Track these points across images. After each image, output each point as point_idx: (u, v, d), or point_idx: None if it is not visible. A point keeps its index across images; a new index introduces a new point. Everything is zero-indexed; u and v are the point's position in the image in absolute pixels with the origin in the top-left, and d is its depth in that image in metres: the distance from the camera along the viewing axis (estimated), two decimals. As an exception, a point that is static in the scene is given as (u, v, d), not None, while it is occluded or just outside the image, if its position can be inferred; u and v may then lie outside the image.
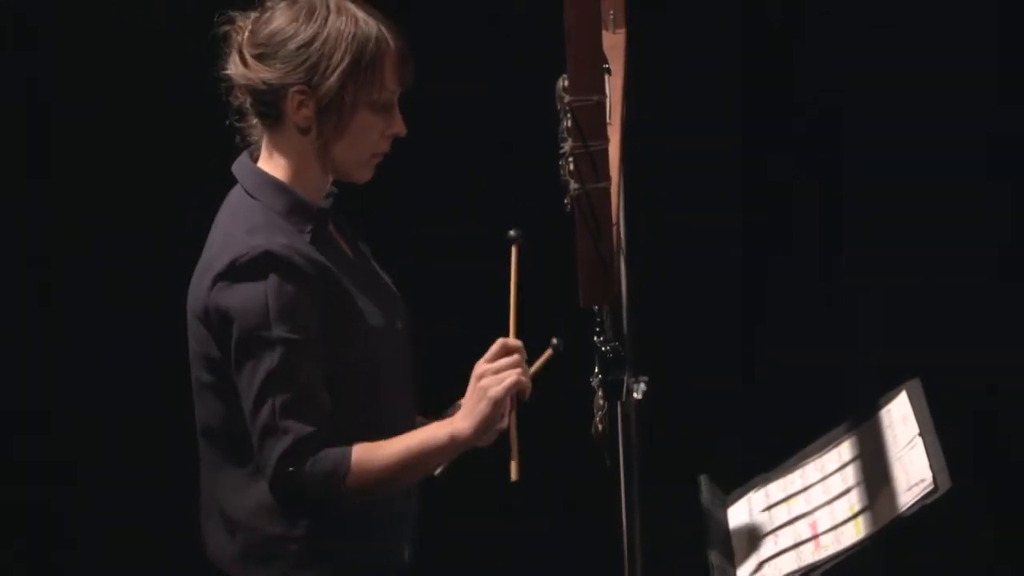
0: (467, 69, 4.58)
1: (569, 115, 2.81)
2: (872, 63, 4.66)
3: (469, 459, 3.91)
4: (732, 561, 3.30)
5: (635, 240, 3.28)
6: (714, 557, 3.29)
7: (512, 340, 3.17)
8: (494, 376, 3.12)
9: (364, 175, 3.26)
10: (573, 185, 2.83)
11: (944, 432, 3.21)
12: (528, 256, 3.28)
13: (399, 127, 3.23)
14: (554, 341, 3.26)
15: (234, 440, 3.17)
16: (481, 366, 3.15)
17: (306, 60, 3.14)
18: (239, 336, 3.11)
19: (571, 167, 2.83)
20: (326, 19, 3.15)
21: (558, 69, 2.82)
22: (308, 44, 3.14)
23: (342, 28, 3.15)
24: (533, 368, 3.23)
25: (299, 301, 3.11)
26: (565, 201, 2.87)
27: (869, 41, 4.64)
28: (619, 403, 3.12)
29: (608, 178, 2.83)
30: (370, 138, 3.21)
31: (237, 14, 3.22)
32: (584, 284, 2.86)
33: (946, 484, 3.05)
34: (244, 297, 3.10)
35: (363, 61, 3.15)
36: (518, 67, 4.29)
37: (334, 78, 3.14)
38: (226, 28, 3.22)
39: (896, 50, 4.64)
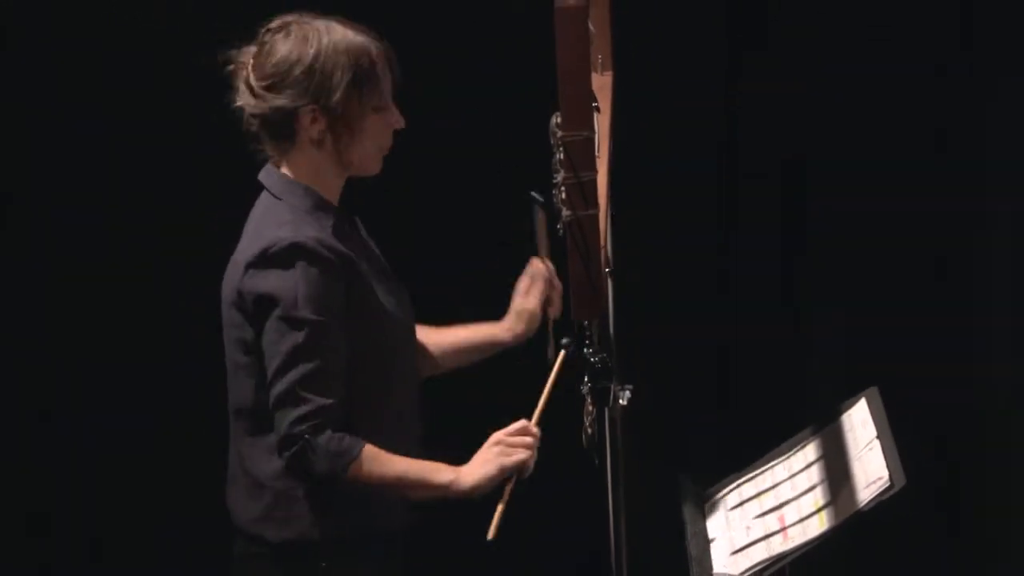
0: (466, 102, 4.59)
1: (561, 149, 2.83)
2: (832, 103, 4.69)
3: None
4: (709, 551, 3.30)
5: (620, 259, 3.30)
6: (692, 548, 3.31)
7: (533, 427, 3.19)
8: (508, 448, 3.16)
9: (375, 168, 3.29)
10: (565, 212, 2.85)
11: (899, 435, 3.23)
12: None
13: (399, 121, 3.28)
14: (564, 341, 3.26)
15: (263, 414, 3.19)
16: (500, 435, 3.18)
17: (312, 82, 3.18)
18: (268, 316, 3.14)
19: (563, 196, 2.85)
20: (320, 42, 3.19)
21: (549, 105, 2.86)
22: (311, 67, 3.18)
23: (338, 48, 3.19)
24: (553, 372, 3.24)
25: (324, 287, 3.14)
26: (558, 226, 2.90)
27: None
28: (606, 409, 3.14)
29: (597, 206, 2.85)
30: (376, 136, 3.25)
31: (236, 52, 3.26)
32: (575, 300, 2.88)
33: (901, 482, 3.07)
34: (274, 282, 3.14)
35: (360, 72, 3.20)
36: (515, 100, 4.29)
37: (339, 93, 3.19)
38: (230, 66, 3.26)
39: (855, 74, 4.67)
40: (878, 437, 3.21)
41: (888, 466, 3.11)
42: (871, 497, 3.08)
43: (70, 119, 4.66)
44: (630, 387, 3.18)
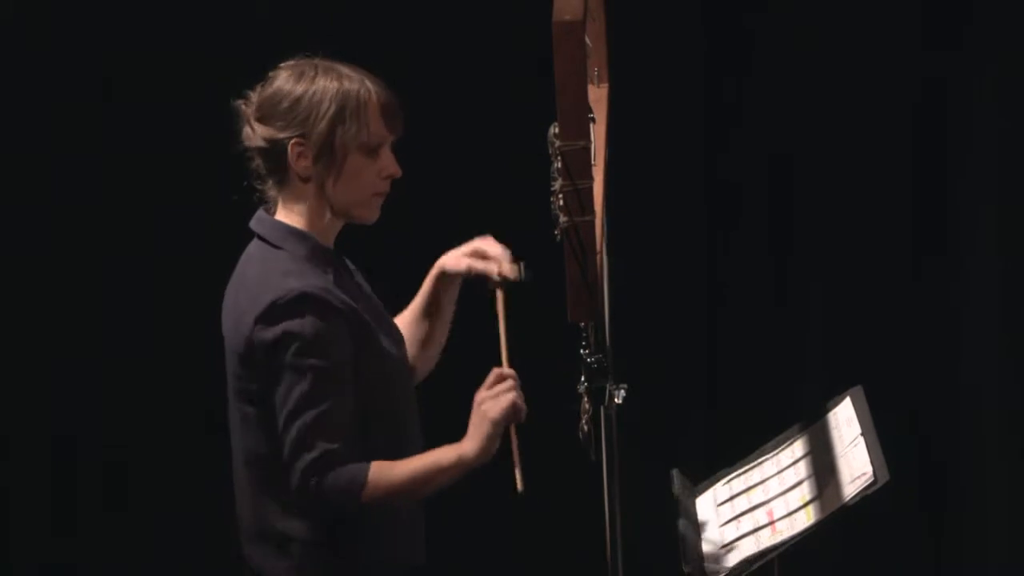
0: (467, 112, 4.60)
1: (559, 157, 2.83)
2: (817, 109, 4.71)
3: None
4: (700, 544, 3.30)
5: (615, 263, 3.31)
6: (684, 541, 3.30)
7: (506, 369, 3.14)
8: (492, 400, 3.09)
9: (368, 215, 3.21)
10: (562, 218, 2.86)
11: (883, 432, 3.24)
12: (523, 278, 3.31)
13: (392, 168, 3.19)
14: (496, 279, 3.21)
15: (279, 464, 3.11)
16: (480, 393, 3.12)
17: (298, 114, 3.12)
18: (278, 365, 3.08)
19: (561, 203, 2.85)
20: (313, 78, 3.13)
21: (549, 115, 2.87)
22: (299, 100, 3.12)
23: (327, 84, 3.13)
24: (499, 310, 3.19)
25: (332, 336, 3.08)
26: (555, 232, 2.91)
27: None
28: (602, 407, 3.13)
29: (593, 212, 2.85)
30: (365, 179, 3.16)
31: (252, 89, 3.20)
32: (572, 303, 2.88)
33: (884, 477, 3.07)
34: (284, 331, 3.07)
35: (348, 108, 3.12)
36: (514, 110, 4.31)
37: (323, 125, 3.11)
38: (241, 104, 3.21)
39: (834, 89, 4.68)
40: (863, 434, 3.21)
41: (872, 462, 3.11)
42: (856, 492, 3.08)
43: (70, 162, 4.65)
44: (625, 386, 3.17)
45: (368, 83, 3.16)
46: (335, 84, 3.13)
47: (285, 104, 3.13)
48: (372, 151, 3.17)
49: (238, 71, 3.28)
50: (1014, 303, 4.68)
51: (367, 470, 3.07)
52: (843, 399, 3.36)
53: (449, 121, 4.54)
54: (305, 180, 3.16)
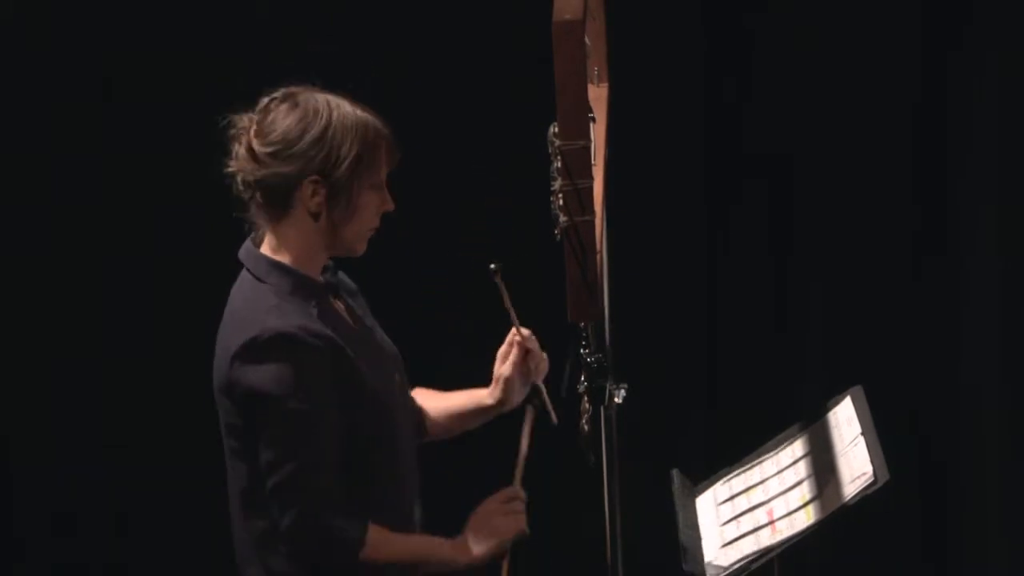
0: (467, 112, 4.59)
1: (559, 157, 2.84)
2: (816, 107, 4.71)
3: (467, 460, 3.94)
4: (700, 544, 3.31)
5: (615, 263, 3.31)
6: (684, 540, 3.31)
7: (519, 490, 3.19)
8: (504, 518, 3.15)
9: (361, 249, 3.20)
10: (562, 218, 2.86)
11: (883, 432, 3.24)
12: (523, 278, 3.32)
13: (390, 204, 3.19)
14: (529, 395, 3.28)
15: (262, 497, 3.10)
16: (491, 505, 3.17)
17: (320, 153, 3.08)
18: (258, 409, 3.05)
19: (560, 202, 2.85)
20: (331, 116, 3.09)
21: (548, 115, 2.87)
22: (320, 138, 3.08)
23: (346, 122, 3.10)
24: (526, 432, 3.26)
25: (311, 376, 3.05)
26: (555, 231, 2.92)
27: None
28: (602, 407, 3.15)
29: (593, 212, 2.86)
30: (369, 216, 3.16)
31: (236, 117, 3.16)
32: (572, 303, 2.88)
33: (884, 477, 3.08)
34: (261, 374, 3.04)
35: (366, 149, 3.11)
36: (514, 110, 4.31)
37: (345, 166, 3.08)
38: (231, 131, 3.16)
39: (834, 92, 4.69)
40: (863, 434, 3.21)
41: (872, 462, 3.12)
42: (856, 492, 3.09)
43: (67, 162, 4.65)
44: (625, 386, 3.18)
45: (373, 119, 3.15)
46: (352, 123, 3.11)
47: (306, 141, 3.09)
48: (379, 188, 3.17)
49: (238, 71, 3.28)
50: (1014, 303, 4.69)
51: (365, 532, 3.07)
52: (843, 398, 3.36)
53: (449, 121, 4.54)
54: (315, 217, 3.13)
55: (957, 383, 4.71)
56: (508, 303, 3.24)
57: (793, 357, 4.72)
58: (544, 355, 3.33)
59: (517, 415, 3.35)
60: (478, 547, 3.12)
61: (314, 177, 3.09)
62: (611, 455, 3.19)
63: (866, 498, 3.09)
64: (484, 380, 3.30)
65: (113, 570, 4.80)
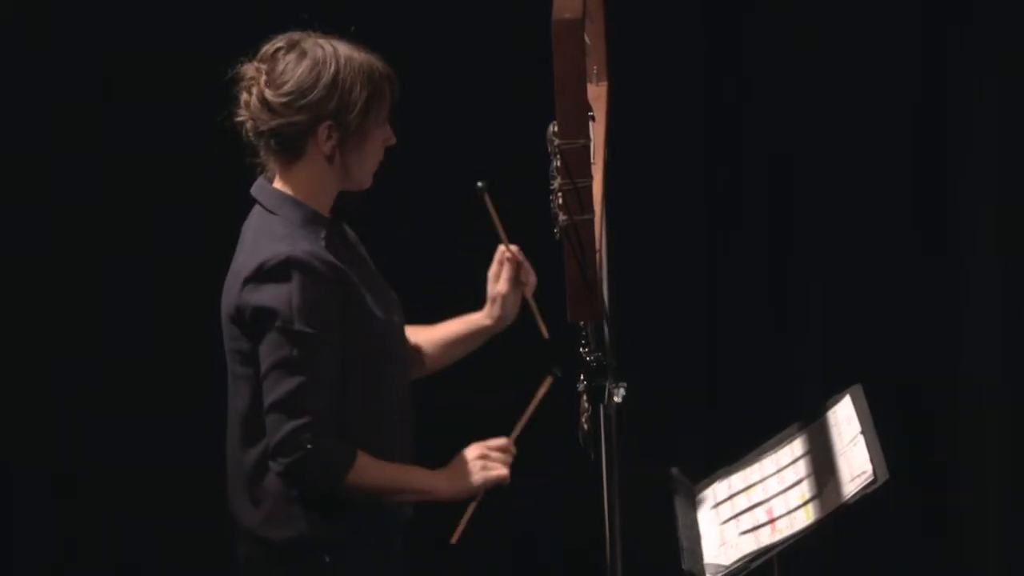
0: (467, 111, 4.59)
1: (558, 156, 2.84)
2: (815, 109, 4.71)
3: (463, 409, 3.93)
4: (700, 542, 3.32)
5: (614, 262, 3.32)
6: (684, 539, 3.31)
7: (511, 444, 3.27)
8: (490, 462, 3.24)
9: (369, 183, 3.31)
10: (562, 217, 2.87)
11: (883, 430, 3.24)
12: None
13: (391, 138, 3.30)
14: (554, 370, 3.33)
15: (261, 422, 3.19)
16: (481, 448, 3.26)
17: (333, 98, 3.19)
18: (265, 328, 3.15)
19: (560, 201, 2.86)
20: (338, 61, 3.20)
21: (548, 113, 2.87)
22: (331, 85, 3.19)
23: (353, 67, 3.21)
24: (537, 396, 3.31)
25: (318, 300, 3.15)
26: (555, 230, 2.92)
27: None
28: (602, 406, 3.15)
29: (592, 211, 2.86)
30: (376, 151, 3.28)
31: (244, 68, 3.25)
32: (571, 302, 2.89)
33: (884, 476, 3.08)
34: (270, 296, 3.14)
35: (375, 92, 3.22)
36: (513, 109, 4.31)
37: (357, 110, 3.20)
38: (238, 83, 3.25)
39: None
40: (862, 433, 3.21)
41: (872, 461, 3.12)
42: (856, 491, 3.09)
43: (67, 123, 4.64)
44: (625, 385, 3.19)
45: (377, 61, 3.25)
46: (358, 64, 3.21)
47: (318, 92, 3.18)
48: (383, 124, 3.27)
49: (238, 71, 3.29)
50: (1014, 303, 4.68)
51: (355, 457, 3.16)
52: (843, 397, 3.37)
53: (449, 120, 4.54)
54: (329, 159, 3.23)
55: (957, 383, 4.71)
56: (496, 218, 3.31)
57: (793, 357, 4.72)
58: (532, 269, 3.42)
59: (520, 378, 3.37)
60: (456, 483, 3.23)
61: (328, 122, 3.20)
62: (611, 454, 3.19)
63: (866, 497, 3.09)
64: (486, 371, 3.30)
65: (113, 569, 4.79)
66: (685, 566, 3.23)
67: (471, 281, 3.51)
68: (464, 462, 3.25)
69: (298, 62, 3.21)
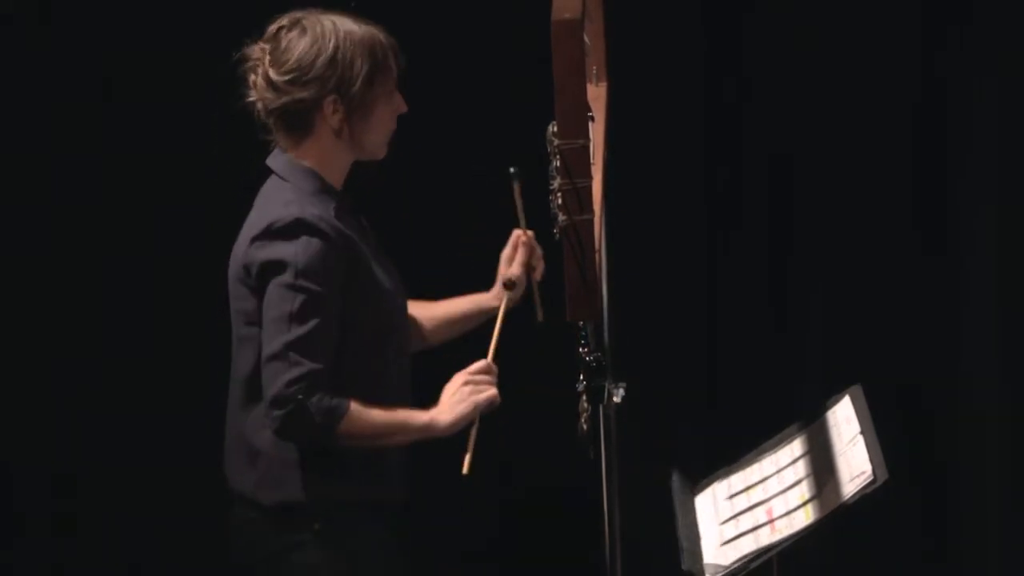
0: (467, 111, 4.59)
1: (558, 156, 2.85)
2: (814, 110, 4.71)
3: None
4: (699, 542, 3.32)
5: (613, 262, 3.32)
6: (683, 539, 3.31)
7: (491, 363, 3.29)
8: (476, 386, 3.25)
9: (383, 153, 3.34)
10: (561, 217, 2.87)
11: (882, 430, 3.25)
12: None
13: (402, 106, 3.33)
14: (506, 282, 3.41)
15: (259, 383, 3.21)
16: (464, 375, 3.27)
17: (335, 73, 3.23)
18: (269, 283, 3.18)
19: (560, 201, 2.87)
20: (339, 36, 3.24)
21: (547, 112, 2.88)
22: (332, 60, 3.23)
23: (354, 39, 3.24)
24: (501, 311, 3.36)
25: (324, 260, 3.18)
26: (554, 230, 2.93)
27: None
28: (601, 406, 3.16)
29: (592, 211, 2.87)
30: (386, 122, 3.32)
31: (250, 49, 3.29)
32: (570, 302, 2.89)
33: (883, 476, 3.07)
34: (278, 252, 3.18)
35: (377, 63, 3.26)
36: (513, 109, 4.31)
37: (359, 83, 3.24)
38: (245, 63, 3.29)
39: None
40: (862, 433, 3.21)
41: (871, 461, 3.12)
42: (855, 491, 3.09)
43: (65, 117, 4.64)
44: (624, 385, 3.20)
45: (379, 33, 3.28)
46: (359, 37, 3.25)
47: (320, 64, 3.22)
48: (391, 94, 3.31)
49: (238, 71, 3.29)
50: (1014, 303, 4.68)
51: (347, 404, 3.17)
52: (842, 398, 3.37)
53: (448, 120, 4.54)
54: (338, 133, 3.27)
55: (957, 383, 4.70)
56: (520, 205, 3.35)
57: (793, 357, 4.72)
58: (542, 253, 3.46)
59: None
60: (451, 413, 3.24)
61: (332, 97, 3.24)
62: (610, 454, 3.20)
63: (865, 497, 3.09)
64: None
65: (113, 569, 4.79)
66: (685, 566, 3.23)
67: (471, 288, 3.51)
68: (452, 392, 3.26)
69: (299, 39, 3.25)
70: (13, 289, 4.68)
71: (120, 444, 4.72)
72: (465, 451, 3.19)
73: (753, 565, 3.17)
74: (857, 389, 3.36)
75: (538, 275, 3.47)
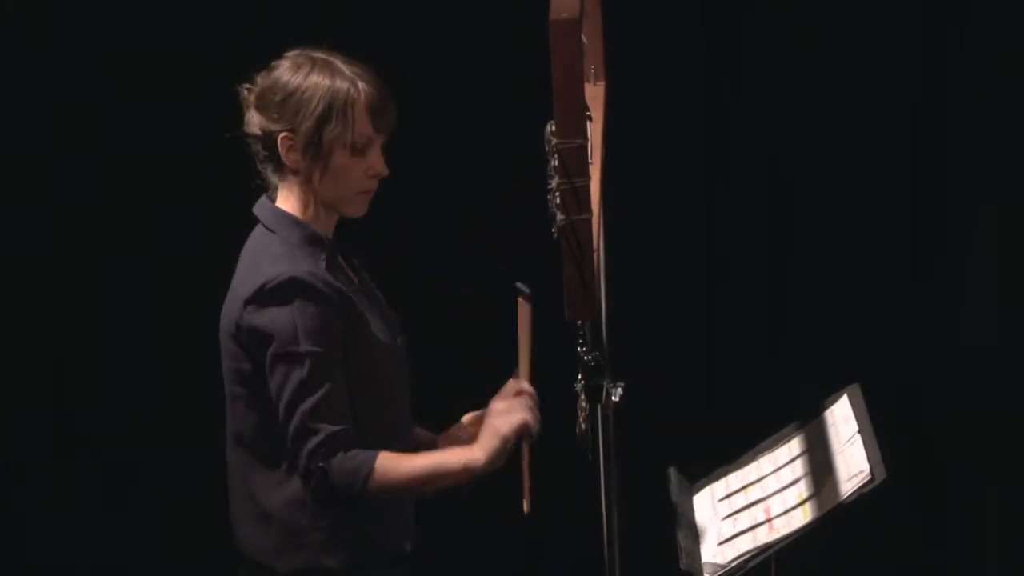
0: (464, 110, 4.60)
1: (556, 156, 2.84)
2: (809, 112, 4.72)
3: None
4: (697, 542, 3.32)
5: (612, 262, 3.32)
6: (681, 538, 3.32)
7: (525, 384, 3.20)
8: (507, 415, 3.15)
9: (354, 210, 3.24)
10: (559, 216, 2.86)
11: (882, 430, 3.26)
12: (521, 277, 3.32)
13: (379, 168, 3.21)
14: (519, 286, 3.20)
15: (266, 445, 3.17)
16: (496, 404, 3.18)
17: (288, 108, 3.16)
18: (271, 353, 3.12)
19: (558, 201, 2.86)
20: (307, 73, 3.16)
21: (546, 114, 2.87)
22: (291, 95, 3.16)
23: (319, 80, 3.15)
24: (522, 324, 3.20)
25: (322, 320, 3.11)
26: (553, 230, 2.93)
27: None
28: (599, 406, 3.16)
29: (590, 210, 2.86)
30: (352, 177, 3.19)
31: (256, 76, 3.24)
32: (569, 301, 2.88)
33: (881, 475, 3.08)
34: (274, 318, 3.11)
35: (335, 107, 3.14)
36: (508, 109, 4.32)
37: (310, 122, 3.14)
38: (244, 89, 3.24)
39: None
40: (860, 432, 3.22)
41: (869, 460, 3.13)
42: (853, 490, 3.10)
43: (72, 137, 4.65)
44: (622, 384, 3.20)
45: (361, 82, 3.18)
46: (326, 82, 3.16)
47: (279, 97, 3.17)
48: (359, 150, 3.19)
49: (238, 71, 3.30)
50: (1014, 303, 4.69)
51: (375, 458, 3.11)
52: (840, 397, 3.38)
53: (446, 120, 4.55)
54: (295, 172, 3.20)
55: (957, 383, 4.71)
56: (527, 332, 3.20)
57: (793, 357, 4.73)
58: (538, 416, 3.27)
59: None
60: (487, 449, 3.12)
61: (286, 133, 3.17)
62: (608, 454, 3.20)
63: (865, 497, 3.09)
64: (479, 376, 3.30)
65: (113, 568, 4.80)
66: (683, 565, 3.24)
67: (471, 283, 3.51)
68: (486, 427, 3.16)
69: (277, 71, 3.20)
70: (13, 289, 4.69)
71: (120, 444, 4.72)
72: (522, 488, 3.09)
73: (751, 564, 3.17)
74: (855, 388, 3.37)
75: (526, 455, 3.17)
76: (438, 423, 3.50)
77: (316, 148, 3.17)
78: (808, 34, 4.65)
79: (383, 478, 3.10)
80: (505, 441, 3.12)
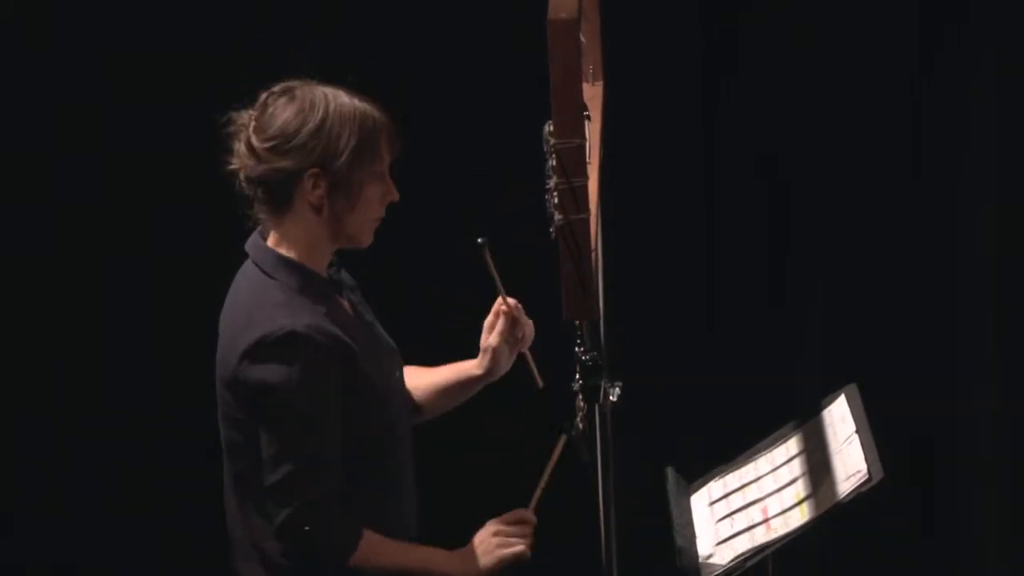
0: (462, 110, 4.60)
1: (554, 156, 2.85)
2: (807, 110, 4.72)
3: (465, 458, 3.93)
4: (694, 542, 3.33)
5: (610, 261, 3.33)
6: (679, 538, 3.33)
7: (530, 515, 3.23)
8: (506, 539, 3.18)
9: (367, 240, 3.21)
10: (557, 216, 2.87)
11: (881, 430, 3.26)
12: (519, 277, 3.34)
13: (394, 194, 3.20)
14: (566, 426, 3.25)
15: (258, 489, 3.14)
16: (497, 525, 3.20)
17: (319, 145, 3.08)
18: (264, 406, 3.08)
19: (556, 201, 2.86)
20: (328, 107, 3.09)
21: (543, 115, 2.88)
22: (318, 130, 3.08)
23: (344, 112, 3.10)
24: (553, 458, 3.26)
25: (319, 376, 3.06)
26: (551, 230, 2.93)
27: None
28: (597, 405, 3.16)
29: (588, 210, 2.87)
30: (374, 206, 3.17)
31: (236, 114, 3.18)
32: (567, 301, 2.89)
33: (879, 475, 3.09)
34: (271, 373, 3.06)
35: (366, 138, 3.11)
36: (506, 109, 4.33)
37: (344, 157, 3.08)
38: (229, 128, 3.17)
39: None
40: (857, 432, 3.22)
41: (867, 459, 3.13)
42: (850, 489, 3.10)
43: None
44: (620, 384, 3.20)
45: (372, 110, 3.15)
46: (351, 113, 3.11)
47: (304, 134, 3.09)
48: (380, 178, 3.17)
49: (238, 71, 3.30)
50: (1013, 303, 4.69)
51: (358, 538, 3.10)
52: (837, 396, 3.38)
53: (445, 120, 4.55)
54: (318, 210, 3.13)
55: (957, 383, 4.72)
56: (494, 273, 3.26)
57: (791, 357, 4.73)
58: (531, 322, 3.36)
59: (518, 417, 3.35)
60: (469, 565, 3.16)
61: (314, 170, 3.09)
62: (606, 453, 3.21)
63: (863, 496, 3.10)
64: (487, 427, 3.30)
65: (113, 568, 4.81)
66: (680, 565, 3.24)
67: (470, 283, 3.51)
68: (480, 541, 3.18)
69: (286, 106, 3.11)
70: (13, 289, 4.68)
71: (120, 444, 4.72)
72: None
73: (748, 564, 3.18)
74: (852, 388, 3.37)
75: (525, 344, 3.35)
76: (437, 426, 3.50)
77: (348, 183, 3.10)
78: (805, 33, 4.65)
79: (363, 560, 3.11)
80: (500, 563, 3.17)
